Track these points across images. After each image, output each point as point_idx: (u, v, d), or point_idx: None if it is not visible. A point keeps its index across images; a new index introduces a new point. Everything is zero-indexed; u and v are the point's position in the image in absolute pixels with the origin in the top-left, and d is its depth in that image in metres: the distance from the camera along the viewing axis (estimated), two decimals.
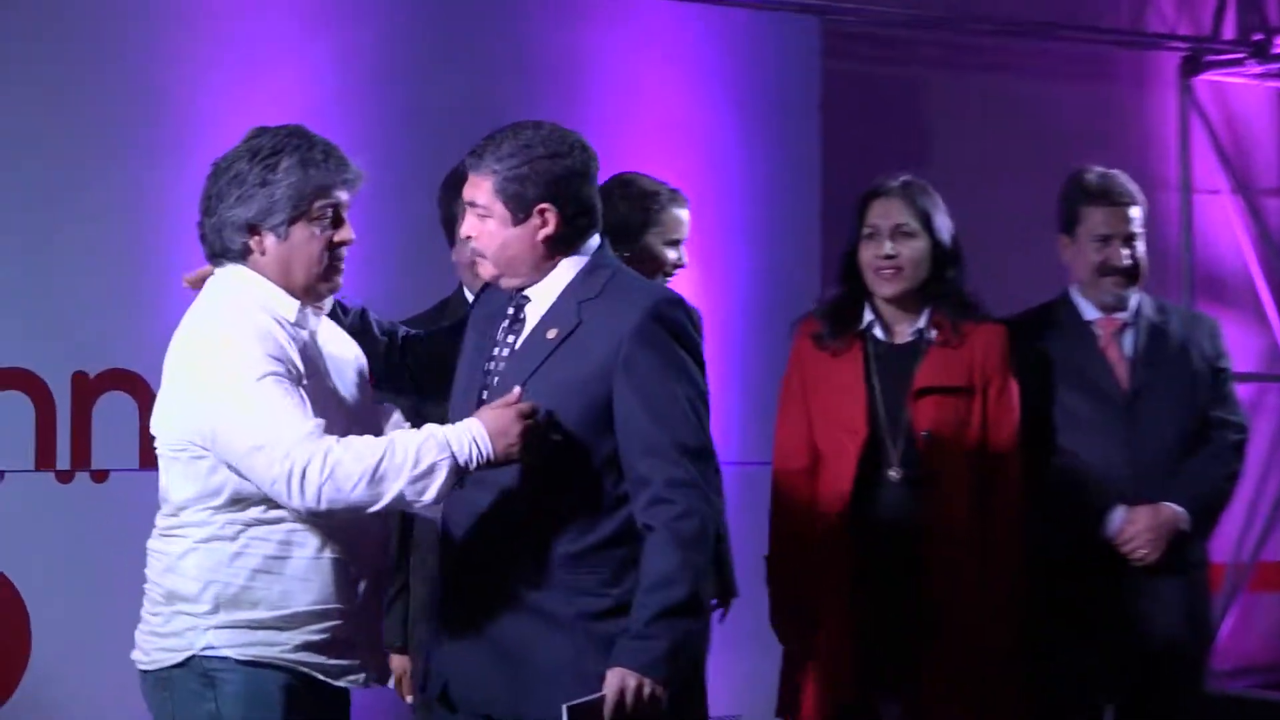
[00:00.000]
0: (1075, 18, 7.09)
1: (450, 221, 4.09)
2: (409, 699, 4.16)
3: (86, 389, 4.98)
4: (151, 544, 3.39)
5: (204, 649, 3.26)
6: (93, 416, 5.02)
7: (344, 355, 3.49)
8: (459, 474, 3.21)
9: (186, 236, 4.41)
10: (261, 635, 3.27)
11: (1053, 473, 4.60)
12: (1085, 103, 7.17)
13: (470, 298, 4.00)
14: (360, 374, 3.51)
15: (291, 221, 3.31)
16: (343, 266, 3.38)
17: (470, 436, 3.19)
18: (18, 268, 4.90)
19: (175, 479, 3.33)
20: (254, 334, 3.24)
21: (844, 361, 4.43)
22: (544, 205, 3.33)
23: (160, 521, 3.37)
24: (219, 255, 3.35)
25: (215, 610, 3.26)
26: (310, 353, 3.35)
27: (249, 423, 3.17)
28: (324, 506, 3.15)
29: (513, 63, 5.64)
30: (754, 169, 6.08)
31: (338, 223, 3.35)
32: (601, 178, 3.48)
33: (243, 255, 3.32)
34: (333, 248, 3.35)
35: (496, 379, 3.37)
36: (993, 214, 6.17)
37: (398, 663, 4.14)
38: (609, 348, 3.28)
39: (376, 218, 4.97)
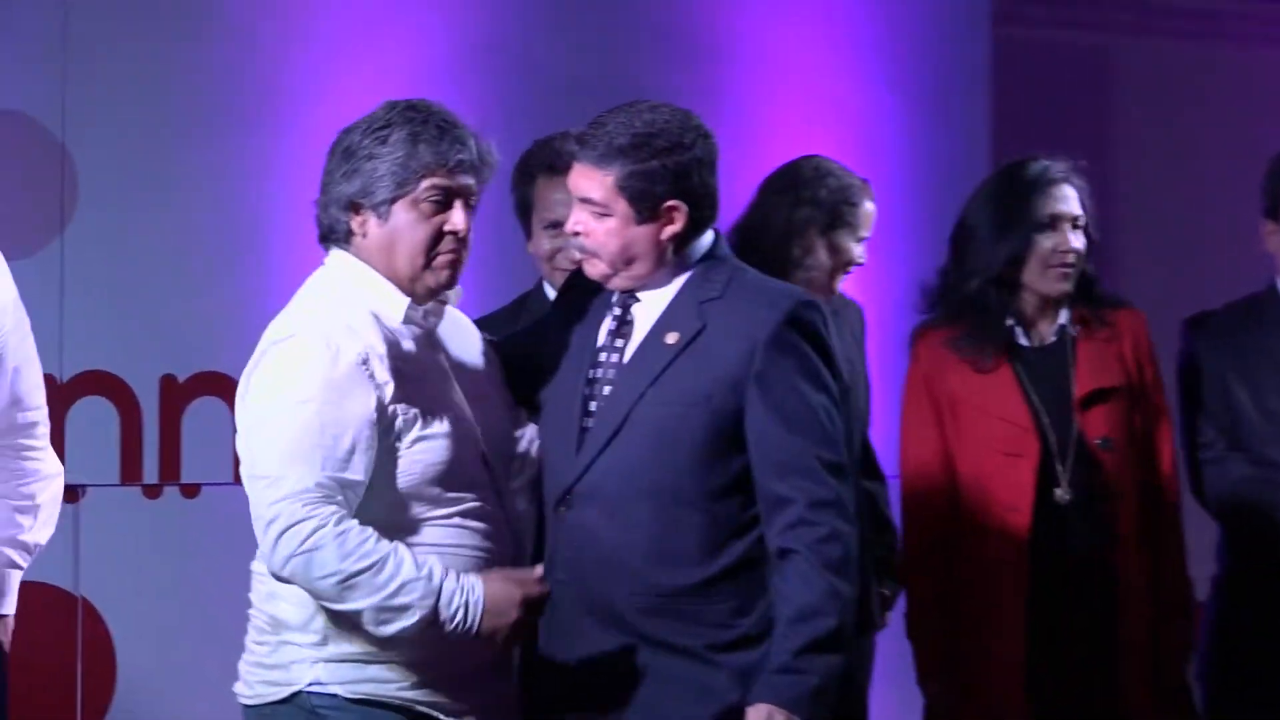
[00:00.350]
0: None
1: (525, 209, 4.05)
2: None
3: (175, 395, 4.89)
4: (255, 565, 3.28)
5: (311, 684, 3.19)
6: (182, 425, 4.94)
7: (469, 358, 3.39)
8: (430, 625, 3.11)
9: (284, 227, 4.60)
10: (374, 671, 3.19)
11: (1253, 485, 4.39)
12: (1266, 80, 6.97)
13: (551, 294, 3.95)
14: (490, 380, 3.41)
15: (394, 201, 3.20)
16: (456, 259, 3.25)
17: (465, 599, 3.11)
18: (100, 262, 4.75)
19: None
20: (321, 347, 3.15)
21: (993, 372, 4.22)
22: (673, 203, 3.21)
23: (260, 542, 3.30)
24: (325, 237, 3.29)
25: (324, 641, 3.18)
26: (418, 355, 3.26)
27: (268, 445, 3.14)
28: (285, 575, 3.10)
29: (645, 34, 5.47)
30: (915, 150, 5.89)
31: (448, 207, 3.23)
32: (742, 162, 3.49)
33: (347, 237, 3.24)
34: (441, 237, 3.22)
35: (608, 388, 3.27)
36: (1188, 197, 6.09)
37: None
38: (739, 355, 3.17)
39: (491, 199, 4.75)
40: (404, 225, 3.20)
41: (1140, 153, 5.88)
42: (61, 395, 4.67)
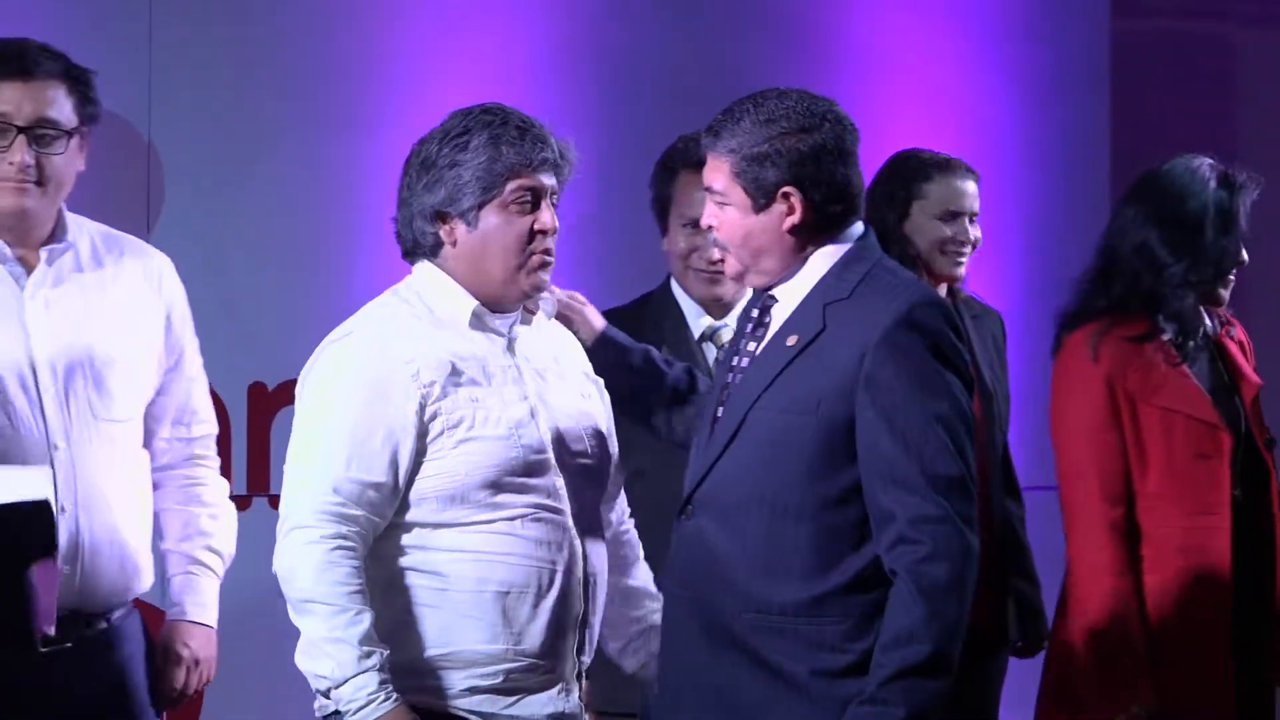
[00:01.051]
0: None
1: (663, 205, 4.04)
2: None
3: (265, 403, 4.95)
4: None
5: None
6: (271, 434, 4.97)
7: (557, 368, 3.41)
8: (326, 696, 3.16)
9: (374, 229, 4.45)
10: (425, 683, 3.21)
11: None
12: None
13: (678, 293, 4.03)
14: (578, 392, 3.43)
15: (481, 206, 3.24)
16: (550, 260, 3.31)
17: (370, 700, 3.14)
18: (185, 266, 4.67)
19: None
20: (370, 347, 3.23)
21: (1182, 370, 4.18)
22: (788, 188, 3.15)
23: None
24: (411, 252, 3.33)
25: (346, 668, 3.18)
26: (483, 360, 3.28)
27: (304, 442, 3.22)
28: (276, 571, 3.18)
29: (750, 26, 5.46)
30: (1032, 144, 5.85)
31: (536, 208, 3.28)
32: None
33: (434, 249, 3.29)
34: (532, 237, 3.27)
35: (732, 392, 3.26)
36: None
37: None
38: (851, 359, 3.10)
39: (589, 198, 4.86)
40: (494, 229, 3.25)
41: (1265, 149, 5.66)
42: None
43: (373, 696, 3.14)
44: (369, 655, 3.13)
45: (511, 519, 3.24)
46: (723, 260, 3.67)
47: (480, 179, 3.23)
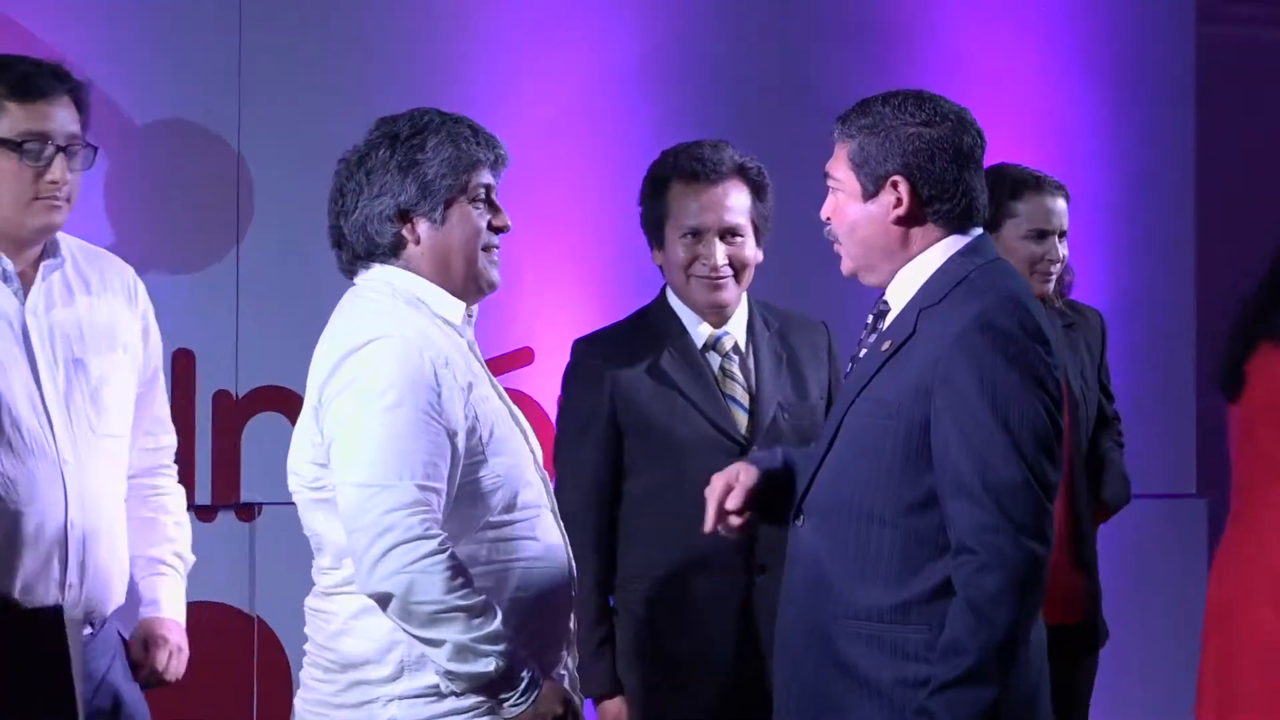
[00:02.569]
0: None
1: (657, 219, 4.00)
2: None
3: None
4: (312, 602, 3.35)
5: None
6: None
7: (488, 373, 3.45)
8: (485, 692, 3.15)
9: None
10: (447, 704, 3.20)
11: None
12: None
13: (676, 304, 4.02)
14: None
15: (449, 203, 3.26)
16: (499, 259, 3.36)
17: (529, 679, 3.17)
18: (274, 275, 4.82)
19: (326, 524, 3.27)
20: (410, 352, 3.20)
21: None
22: (896, 178, 3.14)
23: (321, 577, 3.33)
24: (363, 257, 3.31)
25: (398, 676, 3.20)
26: (470, 363, 3.31)
27: (368, 453, 3.13)
28: (379, 590, 3.10)
29: (831, 33, 5.44)
30: (1116, 153, 5.81)
31: (492, 208, 3.31)
32: None
33: (394, 251, 3.28)
34: (490, 235, 3.34)
35: (837, 398, 3.33)
36: None
37: (613, 709, 3.95)
38: (928, 363, 3.08)
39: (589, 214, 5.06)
40: (460, 226, 3.27)
41: None
42: (237, 412, 4.85)
43: (534, 680, 3.16)
44: (515, 644, 3.14)
45: (527, 520, 3.27)
46: (724, 267, 3.89)
47: (445, 175, 3.24)
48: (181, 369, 4.52)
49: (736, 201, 3.88)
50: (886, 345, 3.13)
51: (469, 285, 3.29)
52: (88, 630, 3.52)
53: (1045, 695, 3.27)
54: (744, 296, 3.97)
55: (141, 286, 3.69)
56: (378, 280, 3.28)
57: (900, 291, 3.16)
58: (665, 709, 3.89)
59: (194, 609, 3.75)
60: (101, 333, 3.56)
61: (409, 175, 3.23)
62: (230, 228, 4.73)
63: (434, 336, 3.22)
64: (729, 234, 3.85)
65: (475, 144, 3.27)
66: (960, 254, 3.14)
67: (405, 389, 3.13)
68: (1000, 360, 3.02)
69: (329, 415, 3.18)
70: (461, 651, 3.10)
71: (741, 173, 3.90)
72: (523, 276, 4.73)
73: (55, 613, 3.40)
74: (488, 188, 3.29)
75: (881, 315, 3.20)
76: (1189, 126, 5.74)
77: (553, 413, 4.35)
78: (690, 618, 3.74)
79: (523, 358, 5.09)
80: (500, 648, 3.10)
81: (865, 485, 3.10)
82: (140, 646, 3.63)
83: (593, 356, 4.01)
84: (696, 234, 3.86)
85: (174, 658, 3.65)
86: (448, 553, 3.09)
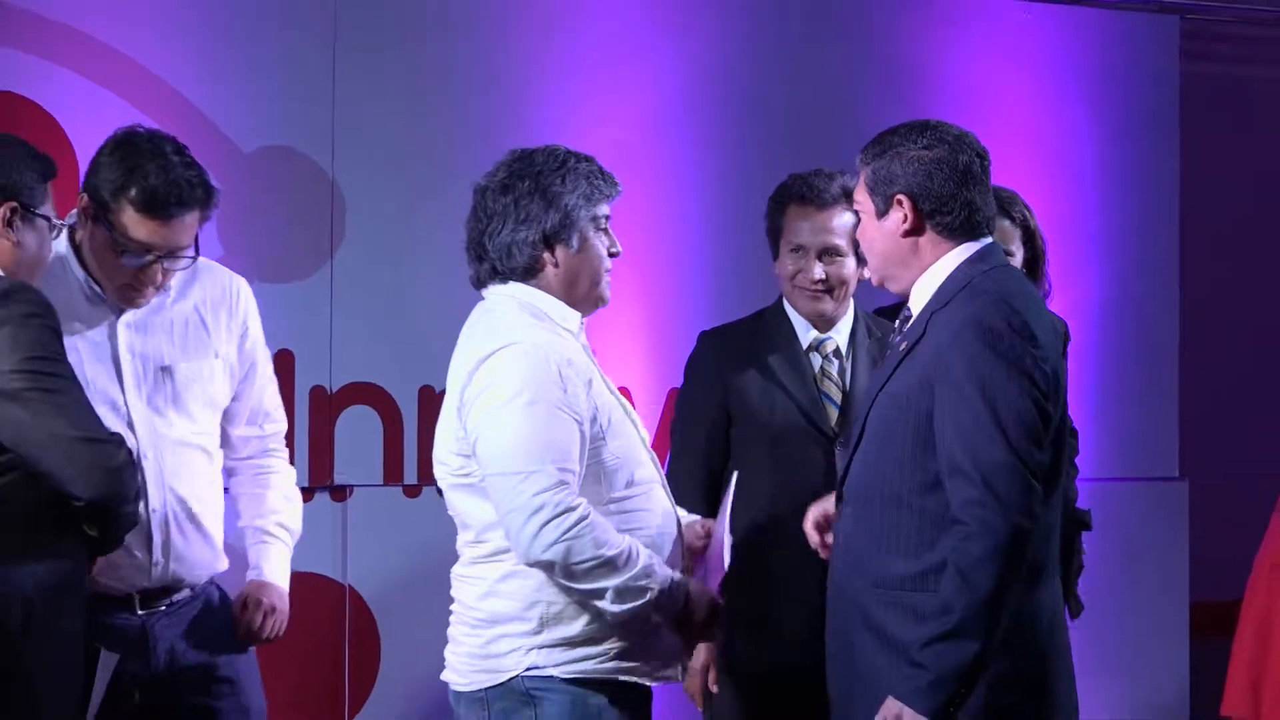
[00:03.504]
0: None
1: (775, 234, 4.00)
2: (713, 688, 3.98)
3: (433, 404, 4.77)
4: (460, 569, 3.36)
5: (528, 669, 3.22)
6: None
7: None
8: (654, 608, 3.21)
9: None
10: (580, 651, 3.23)
11: None
12: None
13: (789, 309, 4.00)
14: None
15: (585, 229, 3.29)
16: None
17: (680, 592, 3.24)
18: (364, 284, 4.79)
19: (470, 506, 3.31)
20: (541, 355, 3.21)
21: None
22: (900, 196, 3.15)
23: (466, 550, 3.35)
24: (500, 274, 3.32)
25: (539, 630, 3.22)
26: (587, 364, 3.32)
27: (514, 445, 3.15)
28: (541, 560, 3.14)
29: (860, 65, 5.38)
30: (1108, 176, 5.69)
31: (609, 236, 3.36)
32: None
33: (529, 270, 3.29)
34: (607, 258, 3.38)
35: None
36: None
37: (703, 654, 3.93)
38: (932, 358, 3.09)
39: (720, 221, 5.01)
40: (592, 252, 3.30)
41: None
42: (331, 404, 4.74)
43: (687, 594, 3.23)
44: (657, 563, 3.21)
45: (644, 494, 3.31)
46: (824, 280, 3.87)
47: (581, 207, 3.26)
48: (282, 366, 4.33)
49: (840, 224, 3.85)
50: (904, 346, 3.15)
51: (588, 301, 3.33)
52: (185, 593, 3.54)
53: (1061, 667, 3.22)
54: (851, 306, 3.98)
55: (245, 294, 3.68)
56: (503, 295, 3.30)
57: (919, 297, 3.17)
58: (743, 659, 3.92)
59: (293, 579, 3.74)
60: (192, 341, 3.55)
61: (552, 206, 3.24)
62: (325, 244, 4.71)
63: (556, 342, 3.23)
64: (829, 253, 3.85)
65: (601, 180, 3.31)
66: (968, 261, 3.14)
67: (536, 387, 3.16)
68: (990, 355, 3.01)
69: (470, 414, 3.21)
70: (622, 594, 3.14)
71: (849, 198, 3.77)
72: None
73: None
74: (607, 218, 3.33)
75: (905, 320, 3.21)
76: (1174, 148, 5.67)
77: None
78: (768, 585, 3.74)
79: None
80: (652, 579, 3.17)
81: (888, 471, 3.12)
82: (240, 606, 3.63)
83: (712, 350, 4.05)
84: (801, 250, 3.88)
85: (269, 618, 3.64)
86: (590, 517, 3.12)
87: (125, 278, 3.44)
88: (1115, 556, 4.93)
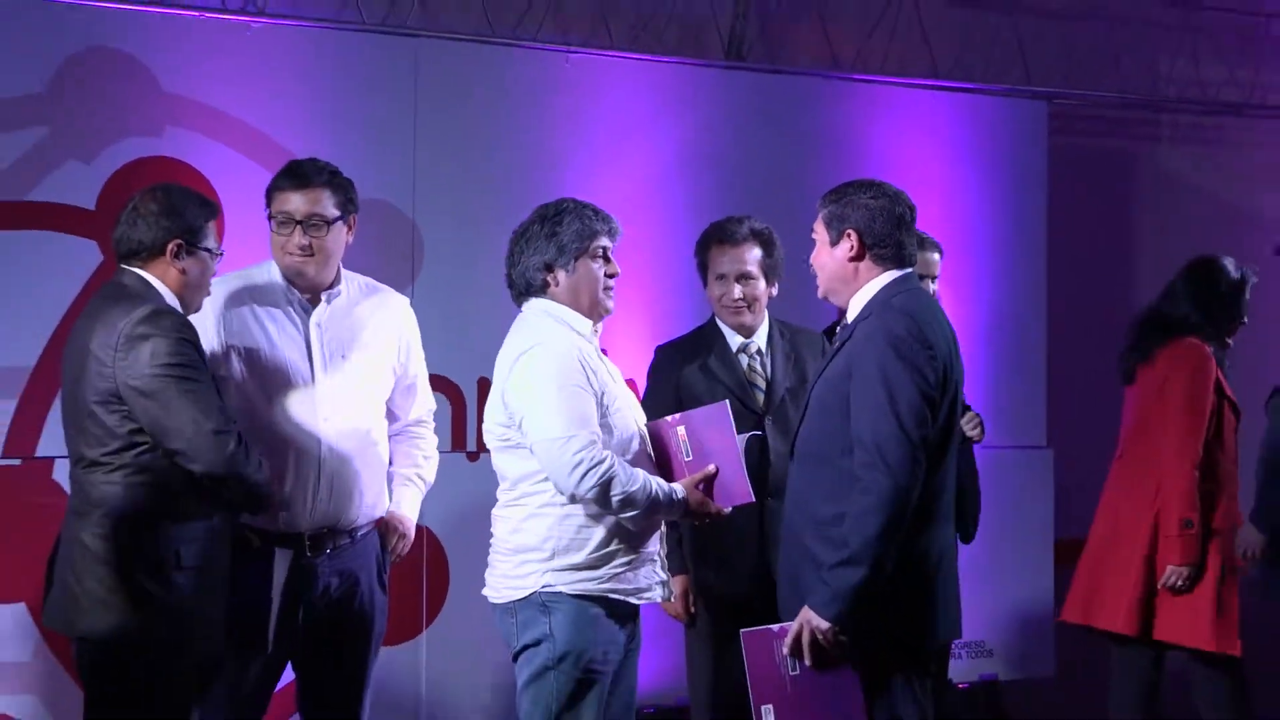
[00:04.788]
0: (1261, 95, 6.27)
1: (703, 267, 4.05)
2: (691, 609, 3.97)
3: (487, 389, 4.72)
4: (497, 512, 3.39)
5: (543, 587, 3.25)
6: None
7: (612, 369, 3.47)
8: (658, 517, 3.30)
9: None
10: (583, 574, 3.26)
11: None
12: (1271, 168, 6.37)
13: (720, 323, 4.02)
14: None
15: (576, 259, 3.30)
16: (614, 294, 3.42)
17: (679, 502, 3.30)
18: (438, 299, 4.65)
19: (508, 463, 3.34)
20: (563, 351, 3.26)
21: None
22: (849, 230, 3.17)
23: (502, 496, 3.38)
24: (524, 293, 3.38)
25: (552, 558, 3.25)
26: (598, 360, 3.34)
27: (554, 418, 3.19)
28: (585, 497, 3.19)
29: (806, 137, 5.25)
30: (994, 221, 5.55)
31: (608, 260, 3.38)
32: None
33: (542, 289, 3.34)
34: (607, 278, 3.39)
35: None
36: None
37: (683, 581, 3.93)
38: (854, 354, 3.10)
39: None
40: (585, 273, 3.33)
41: (1159, 234, 5.69)
42: None
43: (678, 494, 3.29)
44: (659, 485, 3.26)
45: (635, 459, 3.32)
46: (742, 298, 3.92)
47: (574, 241, 3.30)
48: None
49: (750, 255, 3.90)
50: (839, 344, 3.17)
51: (594, 310, 3.35)
52: (346, 537, 3.50)
53: (947, 592, 3.16)
54: (766, 316, 4.00)
55: (407, 311, 3.71)
56: (536, 308, 3.35)
57: (853, 309, 3.17)
58: (711, 583, 3.91)
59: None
60: (362, 339, 3.55)
61: (551, 242, 3.31)
62: (408, 271, 4.62)
63: (574, 339, 3.29)
64: (743, 278, 3.90)
65: (596, 220, 3.35)
66: (891, 284, 3.14)
67: (564, 375, 3.21)
68: (893, 355, 3.01)
69: (514, 396, 3.25)
70: (641, 511, 3.22)
71: (755, 235, 3.92)
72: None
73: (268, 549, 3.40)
74: (605, 248, 3.36)
75: (843, 325, 3.24)
76: (1043, 200, 5.55)
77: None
78: (724, 531, 3.67)
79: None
80: (659, 497, 3.25)
81: (821, 438, 3.12)
82: (385, 529, 3.61)
83: (667, 357, 4.06)
84: (723, 278, 3.92)
85: (400, 540, 3.64)
86: (614, 464, 3.19)
87: (281, 250, 3.46)
88: (998, 507, 4.85)
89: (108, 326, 3.08)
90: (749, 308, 3.92)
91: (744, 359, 3.96)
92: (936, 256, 4.23)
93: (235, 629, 3.31)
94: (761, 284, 3.91)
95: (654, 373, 4.08)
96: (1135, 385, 4.55)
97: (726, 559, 3.85)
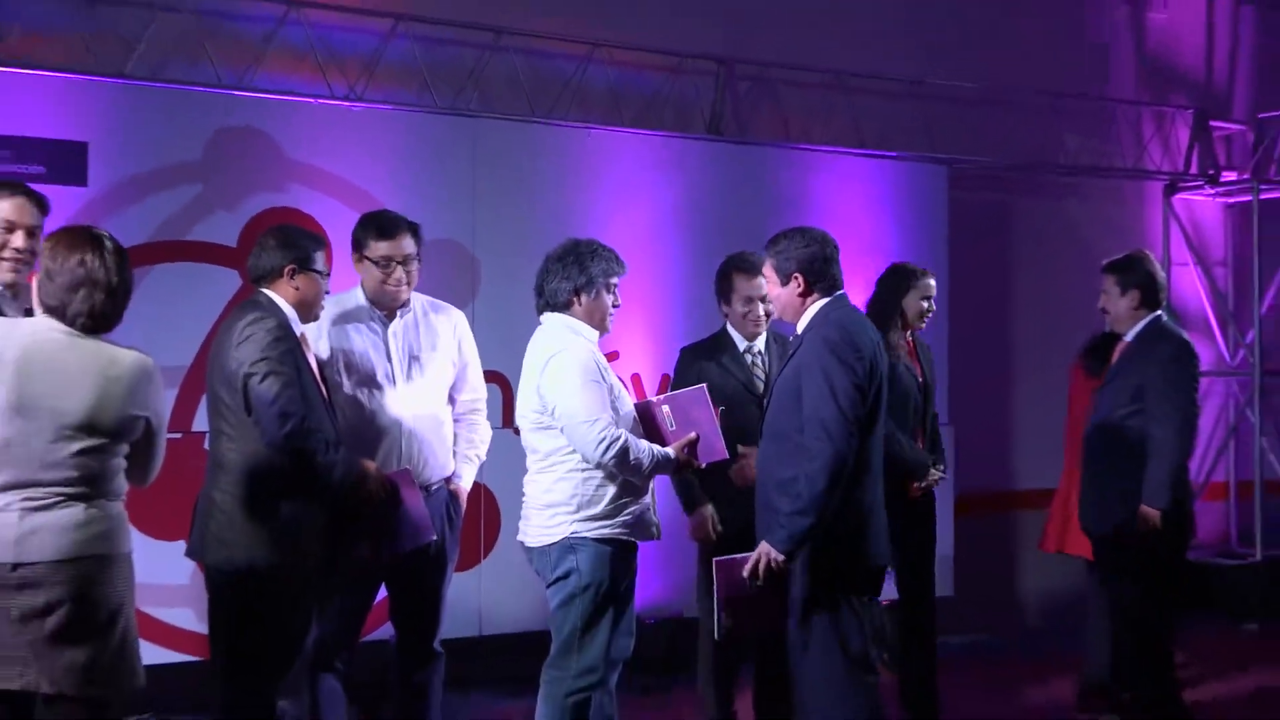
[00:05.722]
0: (1108, 160, 6.28)
1: (725, 289, 3.92)
2: (719, 527, 3.79)
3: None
4: (530, 477, 3.32)
5: (571, 533, 3.20)
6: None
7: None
8: (656, 473, 3.23)
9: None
10: (600, 523, 3.20)
11: None
12: (1112, 215, 6.38)
13: (732, 332, 3.93)
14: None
15: (597, 290, 3.26)
16: (613, 318, 3.36)
17: (666, 460, 3.23)
18: (492, 317, 4.61)
19: (540, 440, 3.27)
20: (582, 355, 3.21)
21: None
22: (796, 274, 3.13)
23: (533, 465, 3.32)
24: (548, 305, 3.30)
25: (577, 510, 3.19)
26: (604, 360, 3.30)
27: (581, 406, 3.16)
28: (604, 464, 3.14)
29: (766, 196, 5.17)
30: (906, 259, 5.14)
31: (613, 293, 3.33)
32: None
33: (565, 306, 3.27)
34: (612, 307, 3.34)
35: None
36: (1074, 299, 5.39)
37: (707, 511, 3.79)
38: (803, 356, 3.07)
39: (690, 283, 4.84)
40: (602, 300, 3.28)
41: (1032, 275, 5.70)
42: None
43: (668, 455, 3.22)
44: (650, 449, 3.19)
45: (633, 432, 3.24)
46: (764, 318, 3.82)
47: (598, 276, 3.25)
48: None
49: (763, 281, 3.64)
50: (792, 351, 3.14)
51: (599, 328, 3.31)
52: (423, 493, 3.42)
53: (875, 531, 3.09)
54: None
55: (462, 323, 3.61)
56: (556, 321, 3.29)
57: (801, 325, 3.15)
58: (719, 519, 3.77)
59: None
60: (429, 344, 3.51)
61: (582, 272, 3.25)
62: (469, 294, 4.60)
63: (587, 346, 3.25)
64: (763, 300, 3.76)
65: (614, 263, 3.31)
66: (826, 305, 3.12)
67: (585, 373, 3.18)
68: (831, 356, 2.99)
69: (547, 390, 3.20)
70: (645, 471, 3.18)
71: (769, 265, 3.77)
72: (619, 320, 4.52)
73: (393, 483, 3.28)
74: (615, 283, 3.31)
75: (796, 337, 3.19)
76: (944, 244, 5.49)
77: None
78: (727, 482, 3.65)
79: (611, 357, 4.92)
80: (657, 459, 3.20)
81: (782, 419, 3.09)
82: (452, 492, 3.56)
83: (692, 355, 3.94)
84: (750, 300, 3.82)
85: (459, 502, 3.56)
86: (626, 439, 3.15)
87: (381, 284, 3.40)
88: None
89: (231, 330, 3.06)
90: (766, 320, 3.85)
91: (749, 359, 3.88)
92: (932, 281, 4.10)
93: (345, 561, 3.25)
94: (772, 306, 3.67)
95: (681, 366, 3.94)
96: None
97: (732, 500, 3.71)
